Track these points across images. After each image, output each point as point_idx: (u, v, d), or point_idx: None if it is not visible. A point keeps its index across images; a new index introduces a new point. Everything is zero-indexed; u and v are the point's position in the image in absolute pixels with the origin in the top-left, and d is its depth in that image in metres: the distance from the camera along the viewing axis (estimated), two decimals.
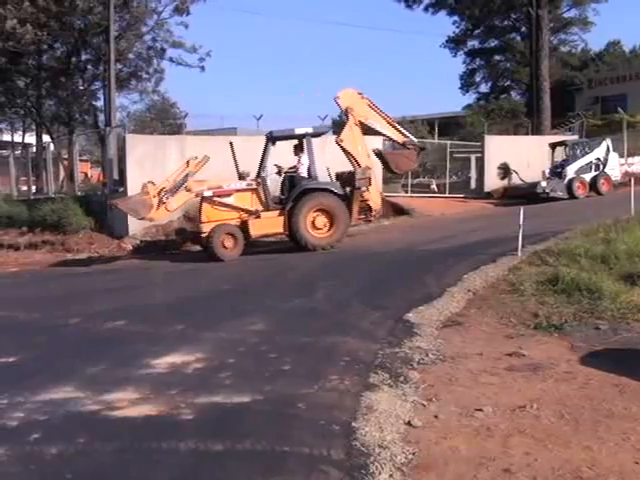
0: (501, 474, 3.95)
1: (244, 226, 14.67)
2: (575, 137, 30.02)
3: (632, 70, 44.34)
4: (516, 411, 4.91)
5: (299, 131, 15.44)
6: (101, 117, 32.98)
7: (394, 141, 17.19)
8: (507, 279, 9.55)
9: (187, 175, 14.30)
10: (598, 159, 23.97)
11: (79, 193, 21.50)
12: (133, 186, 18.55)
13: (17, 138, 43.56)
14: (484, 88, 49.24)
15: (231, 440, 4.45)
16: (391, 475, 3.98)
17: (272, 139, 15.43)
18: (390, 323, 7.74)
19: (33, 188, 25.69)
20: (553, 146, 24.70)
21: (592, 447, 4.25)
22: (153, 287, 11.74)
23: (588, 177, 23.43)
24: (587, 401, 5.07)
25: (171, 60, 32.60)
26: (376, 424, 4.69)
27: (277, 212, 14.96)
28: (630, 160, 29.07)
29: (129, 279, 13.20)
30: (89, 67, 32.44)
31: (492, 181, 25.43)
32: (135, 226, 18.58)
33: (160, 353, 6.76)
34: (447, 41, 46.02)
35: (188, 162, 14.56)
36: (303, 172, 15.27)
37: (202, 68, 32.59)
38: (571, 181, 23.06)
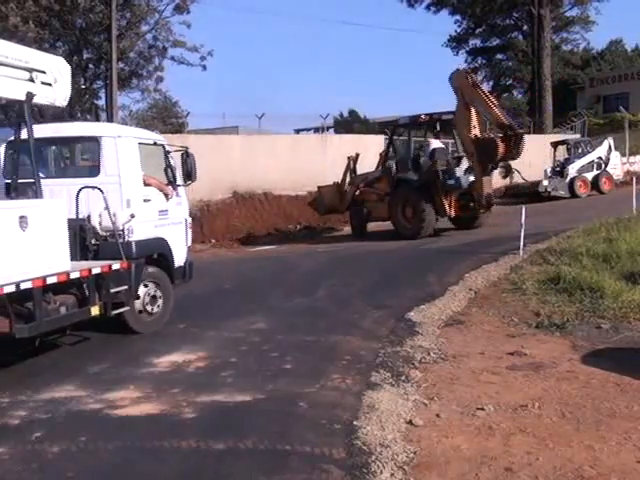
0: (503, 473, 3.95)
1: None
2: (577, 136, 30.02)
3: (634, 69, 44.35)
4: (518, 410, 4.91)
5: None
6: (103, 116, 33.01)
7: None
8: (509, 278, 9.54)
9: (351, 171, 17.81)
10: (600, 158, 23.93)
11: None
12: None
13: None
14: (486, 87, 49.16)
15: (233, 439, 4.46)
16: (392, 474, 3.97)
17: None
18: (392, 322, 7.74)
19: None
20: (555, 145, 24.66)
21: (594, 446, 4.24)
22: None
23: (590, 176, 23.39)
24: (589, 400, 5.06)
25: (172, 59, 32.71)
26: (377, 423, 4.69)
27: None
28: (632, 159, 29.09)
29: None
30: (91, 66, 32.54)
31: (494, 180, 25.34)
32: None
33: (162, 352, 6.77)
34: (449, 40, 46.05)
35: (349, 161, 17.71)
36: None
37: (204, 67, 32.68)
38: (573, 180, 23.02)
